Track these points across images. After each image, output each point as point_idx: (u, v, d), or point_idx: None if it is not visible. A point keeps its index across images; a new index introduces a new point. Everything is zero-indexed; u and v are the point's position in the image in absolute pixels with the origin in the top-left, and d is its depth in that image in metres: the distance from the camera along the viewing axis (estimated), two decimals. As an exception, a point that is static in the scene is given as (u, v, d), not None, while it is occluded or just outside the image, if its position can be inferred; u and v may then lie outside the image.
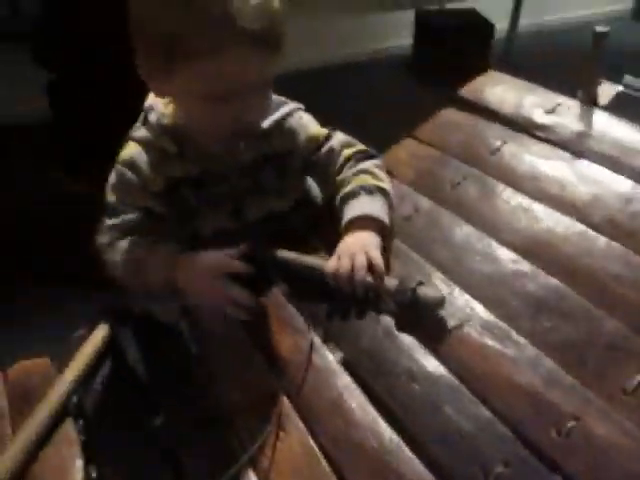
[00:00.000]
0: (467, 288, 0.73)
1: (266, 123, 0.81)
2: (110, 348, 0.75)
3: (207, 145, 0.78)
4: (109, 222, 0.80)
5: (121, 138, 0.83)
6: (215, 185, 0.81)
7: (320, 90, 2.72)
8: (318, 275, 0.74)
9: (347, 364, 0.69)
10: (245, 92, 0.70)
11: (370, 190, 0.81)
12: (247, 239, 0.81)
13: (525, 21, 3.13)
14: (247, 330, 0.75)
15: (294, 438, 0.62)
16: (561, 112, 0.92)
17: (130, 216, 0.79)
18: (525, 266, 0.73)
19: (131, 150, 0.80)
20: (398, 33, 3.18)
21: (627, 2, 3.71)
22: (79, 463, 0.64)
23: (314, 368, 0.69)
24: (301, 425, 0.63)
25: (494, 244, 0.77)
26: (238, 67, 0.68)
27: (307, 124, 0.86)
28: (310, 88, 2.73)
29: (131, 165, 0.79)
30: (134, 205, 0.80)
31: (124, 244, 0.79)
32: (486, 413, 0.60)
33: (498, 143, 0.90)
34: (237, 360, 0.72)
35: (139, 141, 0.80)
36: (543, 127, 0.90)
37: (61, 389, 0.70)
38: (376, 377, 0.66)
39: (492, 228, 0.79)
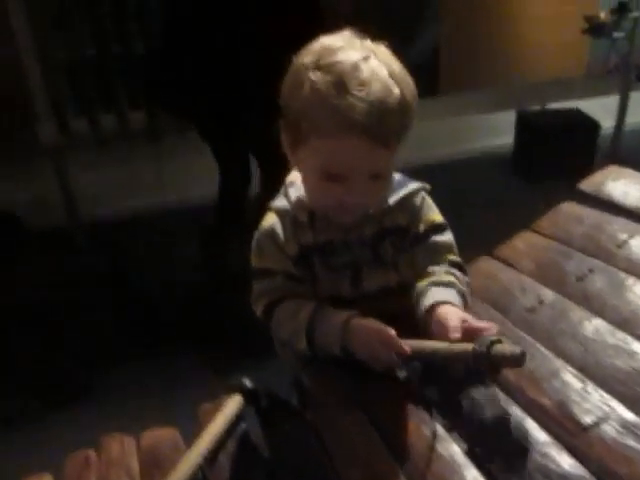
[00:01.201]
0: (602, 384, 0.70)
1: (392, 199, 0.86)
2: (236, 425, 0.78)
3: (334, 217, 0.83)
4: (258, 286, 0.87)
5: None
6: (338, 254, 0.86)
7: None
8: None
9: (474, 456, 0.67)
10: (352, 177, 0.76)
11: (460, 291, 0.84)
12: (362, 308, 0.83)
13: (632, 119, 3.08)
14: (366, 411, 0.76)
15: (421, 529, 0.60)
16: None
17: (276, 280, 0.86)
18: (666, 363, 0.69)
19: (271, 220, 0.87)
20: (498, 133, 3.25)
21: None
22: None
23: (439, 458, 0.67)
24: (428, 516, 0.61)
25: (628, 338, 0.74)
26: (345, 153, 0.75)
27: (428, 206, 0.90)
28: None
29: (271, 233, 0.85)
30: (276, 269, 0.86)
31: (285, 310, 0.84)
32: (634, 521, 0.56)
33: (625, 236, 0.89)
34: (357, 440, 0.72)
35: (277, 211, 0.87)
36: (674, 221, 0.88)
37: (190, 461, 0.72)
38: (507, 473, 0.64)
39: (624, 322, 0.76)
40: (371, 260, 0.87)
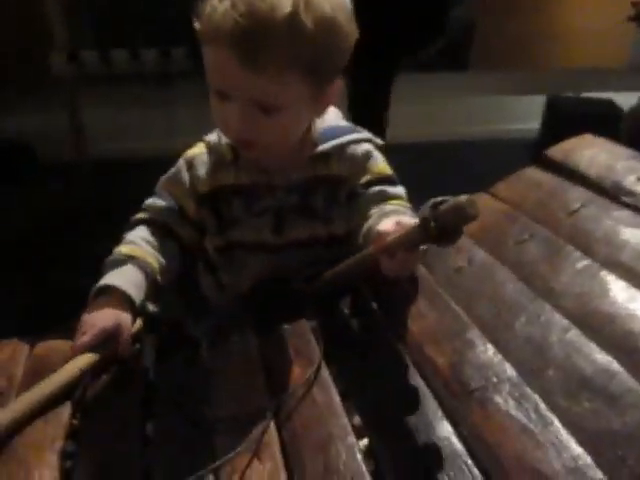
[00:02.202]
0: (503, 349, 0.64)
1: (327, 145, 0.80)
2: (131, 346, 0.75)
3: (240, 151, 0.78)
4: (147, 201, 0.83)
5: None
6: (261, 198, 0.81)
7: (439, 163, 2.73)
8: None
9: (352, 407, 0.62)
10: (232, 98, 0.69)
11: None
12: (283, 257, 0.80)
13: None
14: (262, 354, 0.72)
15: (266, 469, 0.56)
16: (657, 181, 0.81)
17: (163, 203, 0.82)
18: (577, 337, 0.62)
19: (195, 150, 0.84)
20: (526, 116, 3.11)
21: None
22: (58, 445, 0.62)
23: (314, 402, 0.63)
24: (279, 457, 0.57)
25: (547, 307, 0.67)
26: (217, 66, 0.69)
27: (375, 158, 0.82)
28: (431, 160, 2.76)
29: (190, 164, 0.82)
30: (173, 198, 0.82)
31: (136, 231, 0.81)
32: (486, 492, 0.50)
33: (577, 205, 0.81)
34: (240, 379, 0.69)
35: (207, 144, 0.83)
36: (632, 193, 0.79)
37: (72, 370, 0.70)
38: (373, 429, 0.59)
39: (549, 291, 0.70)
40: (298, 208, 0.81)
